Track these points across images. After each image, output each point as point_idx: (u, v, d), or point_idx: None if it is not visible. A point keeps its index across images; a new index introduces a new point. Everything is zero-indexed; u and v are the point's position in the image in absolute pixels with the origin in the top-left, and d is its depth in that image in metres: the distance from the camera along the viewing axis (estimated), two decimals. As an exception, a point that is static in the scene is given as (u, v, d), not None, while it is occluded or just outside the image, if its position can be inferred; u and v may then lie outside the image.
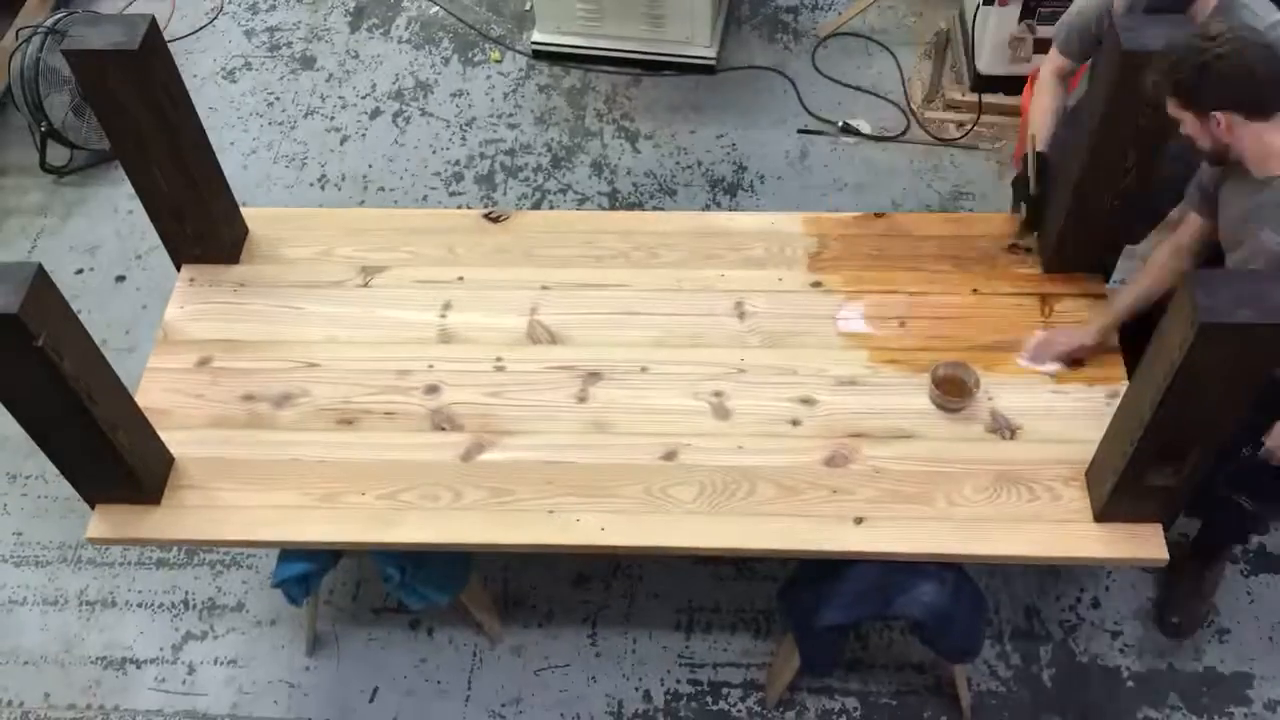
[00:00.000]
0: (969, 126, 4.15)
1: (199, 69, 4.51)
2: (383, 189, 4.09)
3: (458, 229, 3.00)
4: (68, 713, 3.00)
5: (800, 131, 4.19)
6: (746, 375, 2.67)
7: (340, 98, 4.39)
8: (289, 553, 2.71)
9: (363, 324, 2.81)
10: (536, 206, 4.01)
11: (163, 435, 2.53)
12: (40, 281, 2.04)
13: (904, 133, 4.17)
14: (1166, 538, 2.39)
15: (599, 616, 3.11)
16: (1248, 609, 3.06)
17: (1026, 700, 2.94)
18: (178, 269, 2.94)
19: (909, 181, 4.02)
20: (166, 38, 2.59)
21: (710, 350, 2.72)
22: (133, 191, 2.75)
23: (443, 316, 2.81)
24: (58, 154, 4.16)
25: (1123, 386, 2.54)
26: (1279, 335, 1.93)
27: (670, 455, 2.54)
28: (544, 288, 2.86)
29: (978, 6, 3.98)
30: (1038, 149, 2.78)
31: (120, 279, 3.90)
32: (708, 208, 3.99)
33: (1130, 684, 2.95)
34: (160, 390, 2.70)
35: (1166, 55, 2.12)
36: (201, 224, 2.83)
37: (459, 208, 3.99)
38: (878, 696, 2.95)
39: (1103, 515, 2.39)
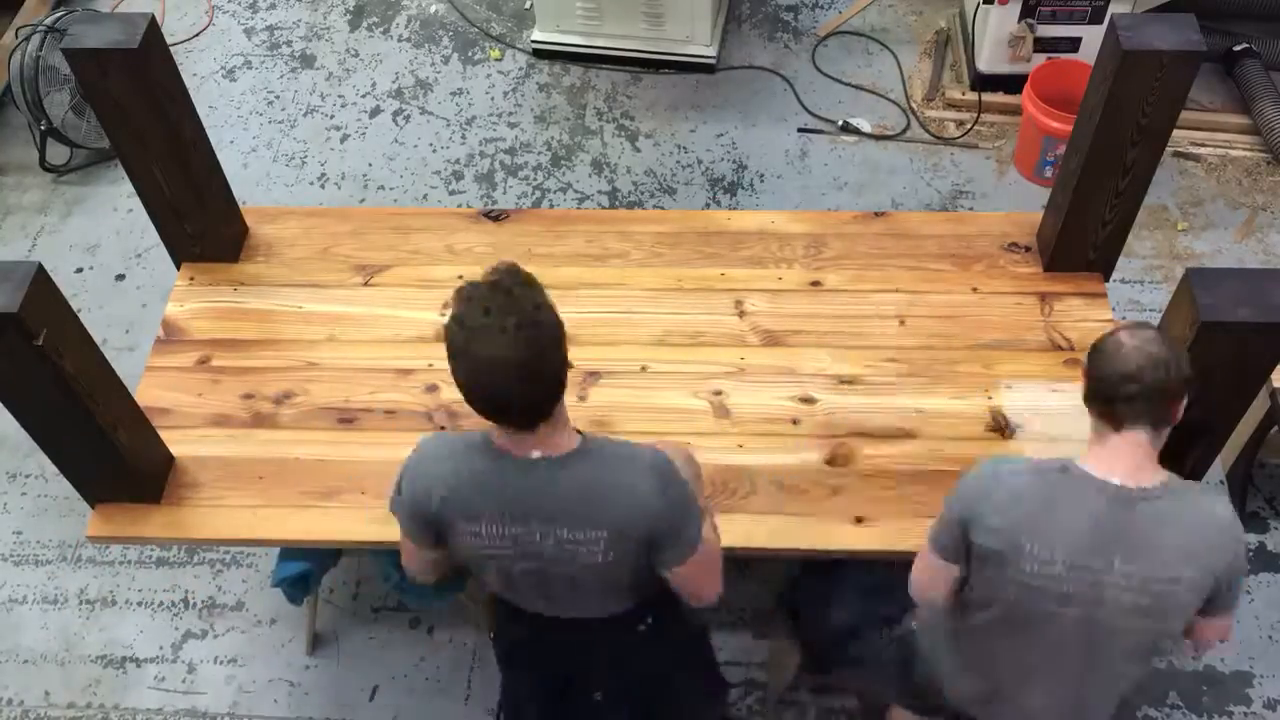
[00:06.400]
0: (969, 125, 4.15)
1: (199, 68, 4.50)
2: (383, 188, 4.09)
3: (458, 228, 3.00)
4: (68, 711, 3.00)
5: (800, 130, 4.19)
6: (746, 374, 2.67)
7: (340, 96, 4.39)
8: (289, 552, 2.71)
9: (363, 323, 2.80)
10: (536, 205, 4.01)
11: (163, 435, 2.53)
12: (40, 281, 2.04)
13: (904, 131, 4.17)
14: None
15: (599, 615, 3.11)
16: (1248, 608, 3.05)
17: (1026, 699, 2.93)
18: (177, 268, 2.94)
19: (909, 180, 4.02)
20: (166, 37, 2.58)
21: (710, 349, 2.72)
22: (132, 190, 2.75)
23: (442, 315, 2.80)
24: (57, 152, 4.15)
25: (1123, 386, 2.54)
26: (1279, 335, 1.93)
27: (670, 454, 2.54)
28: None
29: (978, 5, 3.98)
30: None
31: (120, 278, 3.89)
32: (708, 206, 3.99)
33: (1130, 683, 2.95)
34: (160, 390, 2.69)
35: None
36: (201, 223, 2.83)
37: (459, 206, 3.98)
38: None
39: (1103, 515, 2.39)
